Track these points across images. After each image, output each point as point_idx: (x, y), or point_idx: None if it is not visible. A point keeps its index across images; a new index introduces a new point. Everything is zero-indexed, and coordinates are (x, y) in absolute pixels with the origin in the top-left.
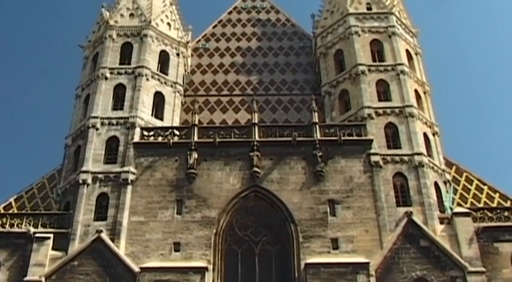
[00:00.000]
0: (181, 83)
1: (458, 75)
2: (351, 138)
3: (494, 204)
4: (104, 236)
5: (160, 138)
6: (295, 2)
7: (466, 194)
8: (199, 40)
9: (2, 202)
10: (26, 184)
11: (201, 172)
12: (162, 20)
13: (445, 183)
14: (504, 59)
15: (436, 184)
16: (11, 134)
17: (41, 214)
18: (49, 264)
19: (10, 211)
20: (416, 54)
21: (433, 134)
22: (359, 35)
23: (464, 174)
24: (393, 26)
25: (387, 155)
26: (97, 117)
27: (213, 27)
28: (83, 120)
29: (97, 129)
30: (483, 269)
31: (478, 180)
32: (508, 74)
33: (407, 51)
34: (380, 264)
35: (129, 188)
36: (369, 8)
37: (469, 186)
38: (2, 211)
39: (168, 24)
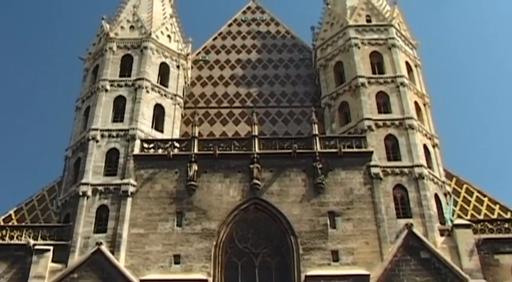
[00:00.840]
0: (182, 95)
1: (458, 87)
2: (351, 150)
3: (495, 216)
4: (104, 248)
5: (160, 151)
6: (295, 14)
7: (466, 206)
8: (199, 52)
9: (2, 214)
10: (25, 196)
11: (201, 184)
12: (162, 32)
13: (445, 195)
14: (503, 71)
15: (436, 196)
16: (11, 146)
17: (40, 226)
18: (49, 276)
19: (10, 223)
20: (416, 66)
21: (433, 146)
22: (359, 47)
23: (465, 186)
24: (393, 38)
25: (387, 167)
26: (97, 130)
27: (213, 39)
28: (83, 132)
29: (97, 141)
30: (484, 281)
31: (478, 192)
32: (508, 85)
33: (407, 63)
34: (380, 276)
35: (129, 200)
36: (369, 20)
37: (469, 198)
38: (2, 223)
39: (168, 36)
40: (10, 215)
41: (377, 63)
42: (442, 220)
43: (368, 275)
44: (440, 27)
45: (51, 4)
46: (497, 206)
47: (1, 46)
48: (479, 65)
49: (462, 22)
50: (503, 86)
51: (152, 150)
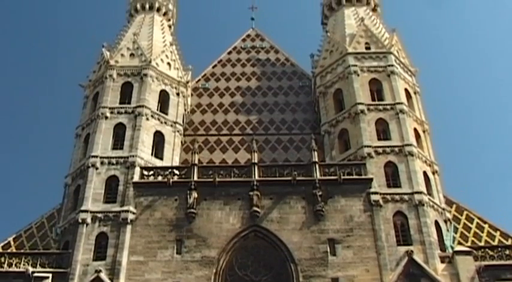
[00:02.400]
0: (181, 123)
1: (458, 113)
2: (351, 177)
3: (495, 243)
4: (103, 275)
5: (160, 178)
6: (294, 42)
7: (466, 233)
8: (199, 80)
9: (1, 241)
10: (24, 223)
11: (200, 212)
12: (162, 60)
13: (445, 221)
14: (501, 98)
15: (436, 223)
16: (10, 173)
17: (39, 253)
18: None
19: (9, 250)
20: (415, 93)
21: (433, 173)
22: (358, 75)
23: (465, 212)
24: (392, 65)
25: (387, 194)
26: (97, 157)
27: (213, 67)
28: (82, 159)
29: (97, 168)
30: None
31: (479, 218)
32: (506, 111)
33: (406, 90)
34: None
35: (129, 227)
36: (368, 48)
37: (469, 225)
38: (1, 250)
39: (168, 64)
40: (9, 242)
41: (376, 90)
42: (443, 247)
43: None
44: (440, 54)
45: (52, 31)
46: (498, 232)
47: (2, 72)
48: (478, 92)
49: (462, 49)
50: (502, 113)
51: (152, 177)
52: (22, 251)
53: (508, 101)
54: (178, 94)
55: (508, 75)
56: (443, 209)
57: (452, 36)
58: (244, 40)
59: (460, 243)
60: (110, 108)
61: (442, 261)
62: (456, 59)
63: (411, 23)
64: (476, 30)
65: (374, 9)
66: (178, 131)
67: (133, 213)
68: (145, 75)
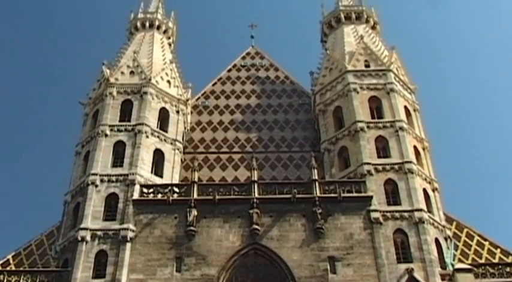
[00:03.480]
0: (181, 140)
1: (457, 131)
2: (351, 195)
3: (496, 260)
4: None
5: (159, 196)
6: (294, 60)
7: (467, 250)
8: (198, 97)
9: (0, 259)
10: (24, 241)
11: (200, 229)
12: (162, 77)
13: (445, 239)
14: (501, 116)
15: (436, 240)
16: (10, 191)
17: (39, 271)
18: None
19: (8, 268)
20: (414, 110)
21: (433, 190)
22: (357, 92)
23: (465, 230)
24: (391, 83)
25: (387, 211)
26: (96, 174)
27: (213, 84)
28: (82, 177)
29: (96, 186)
30: None
31: (479, 236)
32: (506, 129)
33: (405, 107)
34: None
35: (128, 245)
36: (367, 66)
37: (470, 242)
38: (0, 268)
39: (168, 81)
40: (8, 260)
41: (376, 107)
42: (443, 264)
43: None
44: (439, 72)
45: (52, 49)
46: (499, 250)
47: (2, 89)
48: (477, 109)
49: (461, 67)
50: (502, 130)
51: (152, 195)
52: (21, 268)
53: (507, 119)
54: (178, 112)
55: (507, 93)
56: (444, 227)
57: (452, 53)
58: (244, 58)
59: (460, 261)
60: (109, 125)
61: (443, 279)
62: (455, 76)
63: (410, 41)
64: (476, 47)
65: (373, 27)
66: (178, 149)
67: (133, 231)
68: (145, 93)
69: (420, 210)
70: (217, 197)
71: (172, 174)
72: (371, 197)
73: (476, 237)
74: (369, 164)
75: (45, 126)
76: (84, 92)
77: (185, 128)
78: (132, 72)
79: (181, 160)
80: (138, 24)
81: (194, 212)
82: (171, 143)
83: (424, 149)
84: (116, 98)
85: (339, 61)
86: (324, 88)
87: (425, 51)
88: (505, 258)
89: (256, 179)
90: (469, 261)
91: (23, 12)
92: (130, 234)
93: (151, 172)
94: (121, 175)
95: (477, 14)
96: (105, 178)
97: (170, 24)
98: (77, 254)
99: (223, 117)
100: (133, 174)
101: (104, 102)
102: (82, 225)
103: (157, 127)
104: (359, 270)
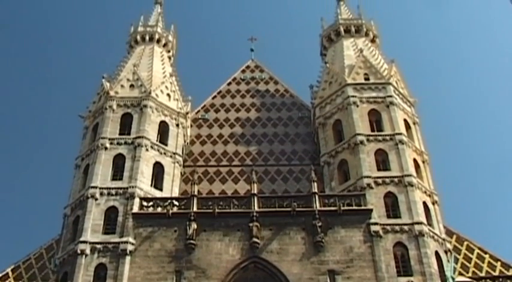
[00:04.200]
0: (181, 154)
1: (457, 144)
2: (351, 208)
3: (496, 273)
4: None
5: (159, 209)
6: (293, 73)
7: (467, 263)
8: (198, 111)
9: None
10: (23, 254)
11: (200, 243)
12: (162, 91)
13: (446, 252)
14: (500, 128)
15: (437, 253)
16: (9, 203)
17: None
18: None
19: (7, 281)
20: (414, 123)
21: (433, 203)
22: (357, 105)
23: (465, 243)
24: (391, 96)
25: (387, 224)
26: (96, 188)
27: (213, 98)
28: (82, 190)
29: (96, 199)
30: None
31: (479, 249)
32: (506, 141)
33: (405, 120)
34: None
35: (128, 258)
36: (367, 79)
37: (470, 255)
38: None
39: (168, 95)
40: (7, 273)
41: (375, 121)
42: (443, 278)
43: None
44: (439, 85)
45: (52, 61)
46: (499, 263)
47: (2, 103)
48: (477, 122)
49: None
50: (501, 143)
51: (151, 208)
52: None
53: (507, 132)
54: (177, 125)
55: (507, 106)
56: (444, 240)
57: (452, 67)
58: (243, 71)
59: (461, 274)
60: (109, 139)
61: None
62: (455, 89)
63: (410, 54)
64: (476, 62)
65: (373, 41)
66: (177, 162)
67: (133, 244)
68: (145, 106)
69: (420, 223)
70: (217, 210)
71: (172, 187)
72: (371, 210)
73: (477, 250)
74: (368, 177)
75: (45, 139)
76: (84, 105)
77: (185, 141)
78: (132, 86)
79: (181, 173)
80: (138, 37)
81: (194, 225)
82: (171, 156)
83: (423, 162)
84: (115, 111)
85: (338, 74)
86: (324, 101)
87: (424, 65)
88: (505, 271)
89: (256, 192)
90: (470, 275)
91: (23, 25)
92: (129, 248)
93: (151, 185)
94: (121, 188)
95: (476, 28)
96: (105, 191)
97: (170, 38)
98: (76, 267)
99: (222, 130)
100: (133, 187)
101: (104, 115)
102: (81, 239)
103: (157, 140)
104: None
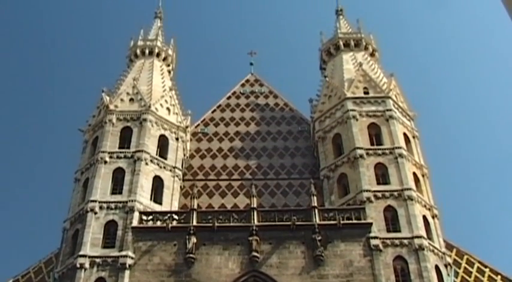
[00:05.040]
0: (180, 168)
1: (457, 157)
2: (350, 222)
3: None
4: None
5: (159, 223)
6: (293, 87)
7: (467, 277)
8: (198, 125)
9: None
10: (22, 268)
11: (199, 257)
12: (161, 104)
13: (446, 266)
14: (500, 141)
15: (437, 267)
16: (8, 217)
17: None
18: None
19: None
20: (413, 137)
21: (433, 217)
22: (357, 119)
23: (465, 256)
24: (390, 110)
25: (387, 238)
26: (96, 201)
27: (212, 112)
28: (81, 203)
29: (95, 213)
30: None
31: (479, 262)
32: (505, 155)
33: (404, 134)
34: None
35: (127, 272)
36: (366, 92)
37: (470, 269)
38: None
39: (168, 109)
40: None
41: (375, 134)
42: None
43: None
44: (438, 99)
45: (52, 75)
46: (499, 276)
47: (1, 116)
48: (476, 136)
49: (461, 93)
50: (502, 156)
51: (151, 222)
52: None
53: (506, 145)
54: (177, 139)
55: (506, 119)
56: (444, 253)
57: (451, 80)
58: (243, 85)
59: None
60: (109, 152)
61: None
62: (454, 103)
63: (409, 68)
64: (475, 75)
65: (372, 54)
66: (177, 176)
67: (132, 258)
68: (145, 120)
69: (420, 237)
70: (216, 224)
71: (171, 201)
72: (371, 224)
73: (477, 264)
74: (368, 191)
75: (45, 153)
76: (84, 119)
77: (184, 155)
78: (131, 99)
79: (181, 187)
80: (138, 51)
81: (193, 239)
82: (171, 170)
83: (423, 176)
84: (115, 125)
85: (338, 88)
86: (323, 115)
87: (424, 78)
88: None
89: (255, 206)
90: None
91: (23, 38)
92: (129, 262)
93: (151, 199)
94: (120, 202)
95: (475, 40)
96: (104, 205)
97: (170, 52)
98: (75, 281)
99: (222, 144)
100: (132, 201)
101: (104, 129)
102: (81, 252)
103: (156, 154)
104: None
